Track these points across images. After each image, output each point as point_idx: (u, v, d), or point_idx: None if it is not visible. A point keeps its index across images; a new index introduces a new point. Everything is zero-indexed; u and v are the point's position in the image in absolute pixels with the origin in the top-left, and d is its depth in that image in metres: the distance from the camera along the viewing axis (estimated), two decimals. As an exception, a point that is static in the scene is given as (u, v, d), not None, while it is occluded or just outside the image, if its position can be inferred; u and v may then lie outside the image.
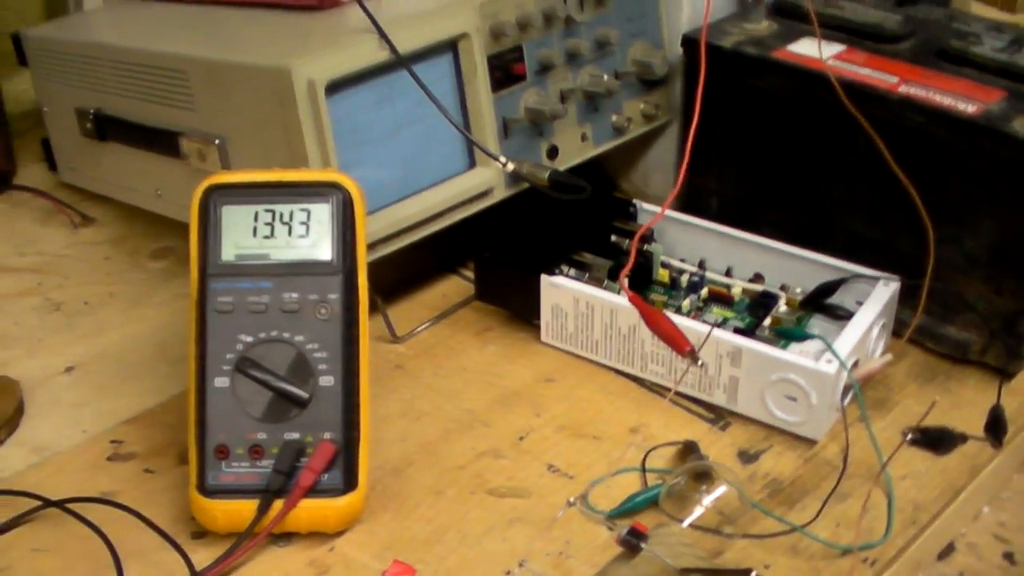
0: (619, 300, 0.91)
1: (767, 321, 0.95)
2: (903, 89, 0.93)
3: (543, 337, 0.97)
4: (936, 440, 0.70)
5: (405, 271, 1.05)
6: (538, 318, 0.96)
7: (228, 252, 0.81)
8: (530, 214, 1.00)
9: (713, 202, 1.05)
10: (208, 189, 0.81)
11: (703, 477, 0.83)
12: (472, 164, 0.96)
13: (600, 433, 0.89)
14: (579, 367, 0.96)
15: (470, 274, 1.06)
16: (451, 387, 0.94)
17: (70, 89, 1.08)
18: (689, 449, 0.87)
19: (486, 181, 0.95)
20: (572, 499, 0.80)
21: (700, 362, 0.81)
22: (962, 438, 0.72)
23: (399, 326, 0.99)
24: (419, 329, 1.00)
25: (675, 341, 0.78)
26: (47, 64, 1.12)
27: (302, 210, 0.81)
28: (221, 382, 0.80)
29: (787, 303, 0.96)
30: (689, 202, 1.04)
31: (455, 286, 1.06)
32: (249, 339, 0.80)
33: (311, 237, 0.81)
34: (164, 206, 1.03)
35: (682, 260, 1.01)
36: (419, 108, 0.91)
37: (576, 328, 0.94)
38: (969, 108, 0.90)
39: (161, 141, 0.98)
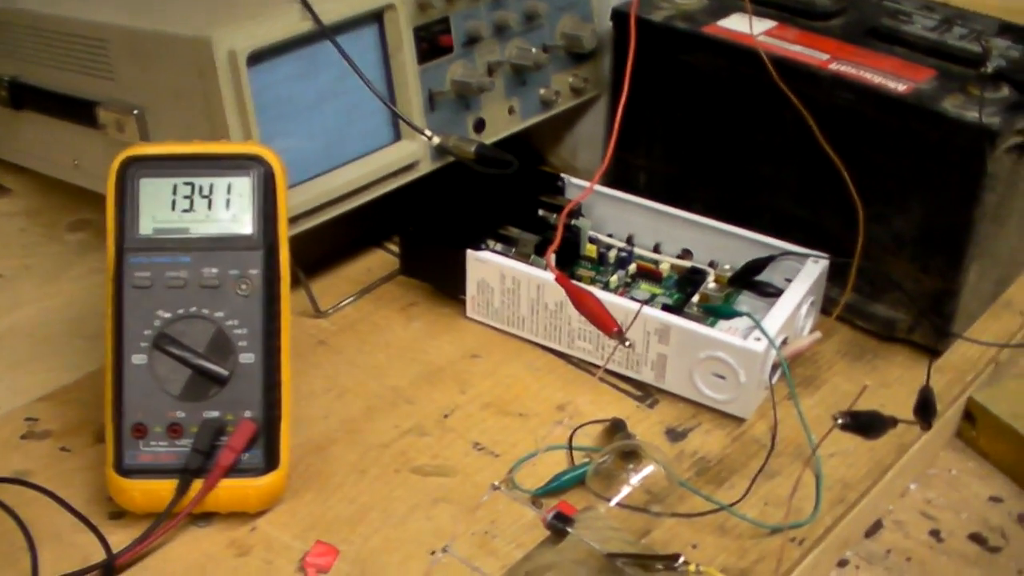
0: (545, 276, 0.90)
1: (695, 298, 0.94)
2: (834, 67, 0.92)
3: (468, 312, 0.96)
4: (867, 425, 0.69)
5: (328, 245, 1.02)
6: (463, 293, 0.95)
7: (146, 226, 0.78)
8: (456, 188, 0.99)
9: (641, 177, 1.04)
10: (125, 161, 0.79)
11: (630, 456, 0.82)
12: (397, 137, 0.94)
13: (526, 410, 0.88)
14: (505, 343, 0.94)
15: (395, 248, 1.04)
16: (375, 363, 0.92)
17: (-18, 55, 1.06)
18: (616, 427, 0.86)
19: (411, 154, 0.93)
20: (497, 483, 0.78)
21: (628, 343, 0.80)
22: (892, 422, 0.71)
23: (322, 301, 0.97)
24: (343, 304, 0.98)
25: (602, 321, 0.77)
26: (-43, 28, 1.09)
27: (222, 183, 0.79)
28: (139, 359, 0.77)
29: (716, 280, 0.95)
30: (617, 177, 1.03)
31: (379, 260, 1.04)
32: (167, 315, 0.78)
33: (231, 211, 0.79)
34: (82, 177, 1.00)
35: (610, 235, 1.00)
36: (343, 80, 0.88)
37: (502, 304, 0.93)
38: (899, 87, 0.89)
39: (78, 111, 0.94)
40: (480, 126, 0.98)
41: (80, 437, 0.84)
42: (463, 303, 0.96)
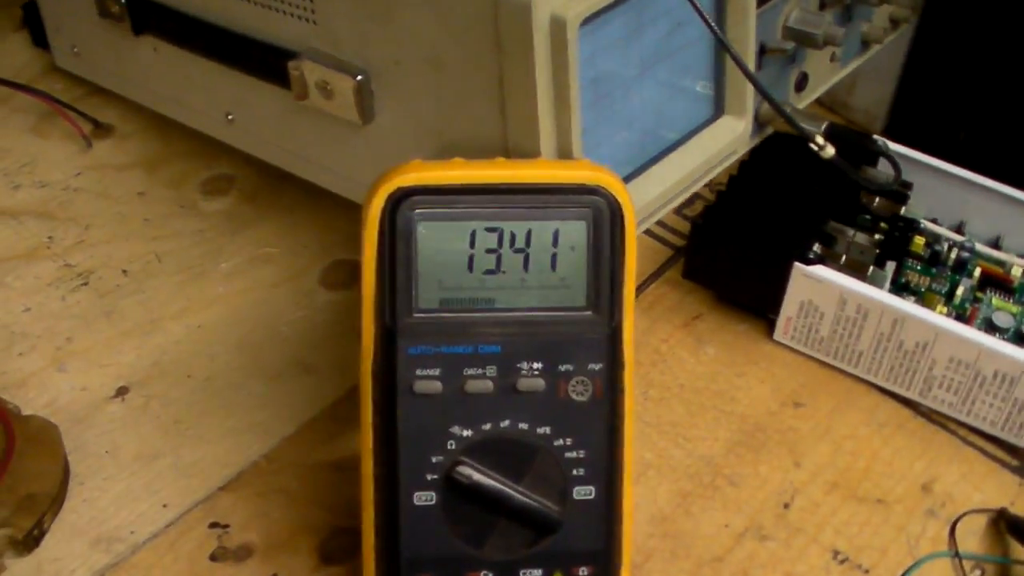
0: (910, 307, 0.58)
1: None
2: None
3: (778, 336, 0.63)
4: None
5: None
6: (775, 312, 0.62)
7: (430, 297, 0.45)
8: (751, 161, 0.65)
9: (961, 136, 0.70)
10: (396, 195, 0.44)
11: None
12: (720, 111, 0.57)
13: (884, 493, 0.57)
14: (830, 382, 0.62)
15: (655, 229, 0.69)
16: (671, 417, 0.59)
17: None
18: (1015, 526, 0.56)
19: (736, 134, 0.57)
20: None
21: None
22: None
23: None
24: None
25: None
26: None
27: (546, 230, 0.45)
28: (424, 498, 0.45)
29: (1093, 297, 0.64)
30: (922, 132, 0.69)
31: (639, 246, 0.68)
32: (467, 433, 0.45)
33: (560, 273, 0.45)
34: (237, 135, 0.63)
35: (934, 221, 0.67)
36: (669, 39, 0.52)
37: (833, 333, 0.61)
38: None
39: (257, 59, 0.57)
40: (803, 82, 0.62)
41: (296, 554, 0.52)
42: (765, 319, 0.63)
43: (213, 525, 0.53)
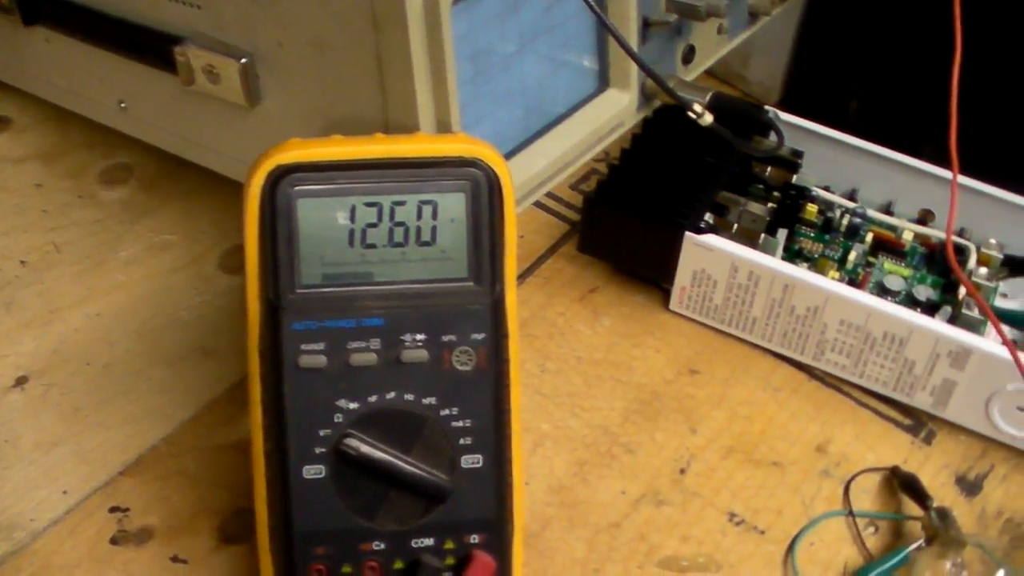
0: (800, 273, 0.59)
1: (962, 292, 0.62)
2: None
3: (673, 306, 0.64)
4: None
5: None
6: (669, 282, 0.63)
7: (311, 272, 0.45)
8: (643, 135, 0.66)
9: (852, 105, 0.72)
10: (275, 173, 0.44)
11: (949, 543, 0.55)
12: (604, 85, 0.58)
13: (779, 456, 0.58)
14: (726, 349, 0.63)
15: (552, 204, 0.70)
16: (568, 388, 0.60)
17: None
18: (907, 483, 0.58)
19: (622, 106, 0.58)
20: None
21: None
22: None
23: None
24: (504, 293, 0.65)
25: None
26: None
27: (425, 203, 0.46)
28: (313, 472, 0.46)
29: (980, 260, 0.65)
30: (815, 103, 0.70)
31: (533, 221, 0.70)
32: (353, 406, 0.46)
33: (439, 245, 0.46)
34: (130, 123, 0.63)
35: (827, 189, 0.68)
36: (548, 14, 0.53)
37: (727, 301, 0.62)
38: None
39: (145, 46, 0.57)
40: (690, 55, 0.63)
41: (196, 535, 0.52)
42: (661, 289, 0.65)
43: (113, 509, 0.53)
